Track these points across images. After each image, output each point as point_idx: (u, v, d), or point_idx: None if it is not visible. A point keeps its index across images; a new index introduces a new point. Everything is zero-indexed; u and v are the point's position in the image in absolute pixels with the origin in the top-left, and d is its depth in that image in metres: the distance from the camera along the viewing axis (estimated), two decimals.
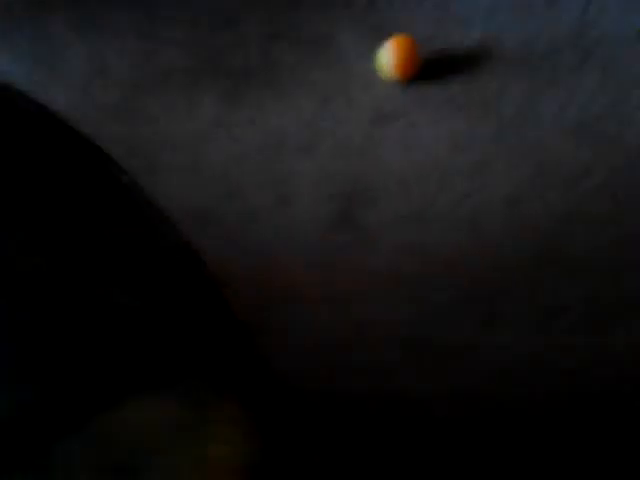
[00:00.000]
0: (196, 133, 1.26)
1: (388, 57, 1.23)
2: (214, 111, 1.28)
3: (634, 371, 0.97)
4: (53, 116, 0.58)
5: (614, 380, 0.96)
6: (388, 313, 1.06)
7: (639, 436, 0.91)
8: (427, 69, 1.28)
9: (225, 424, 0.44)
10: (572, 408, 0.95)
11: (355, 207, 1.17)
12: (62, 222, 0.50)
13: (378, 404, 0.98)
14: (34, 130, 0.55)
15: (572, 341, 1.03)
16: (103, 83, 1.32)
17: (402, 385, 0.98)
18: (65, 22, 1.43)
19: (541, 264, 1.10)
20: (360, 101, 1.27)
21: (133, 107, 1.28)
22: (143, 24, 1.39)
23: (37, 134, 0.55)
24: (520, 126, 1.22)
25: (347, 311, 1.07)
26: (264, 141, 1.25)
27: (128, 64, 1.33)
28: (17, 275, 0.48)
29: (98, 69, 1.34)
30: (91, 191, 0.53)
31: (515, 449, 0.93)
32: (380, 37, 1.29)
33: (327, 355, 1.03)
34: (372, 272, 1.11)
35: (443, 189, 1.17)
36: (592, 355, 0.99)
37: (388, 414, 0.96)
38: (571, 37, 1.31)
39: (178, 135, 1.26)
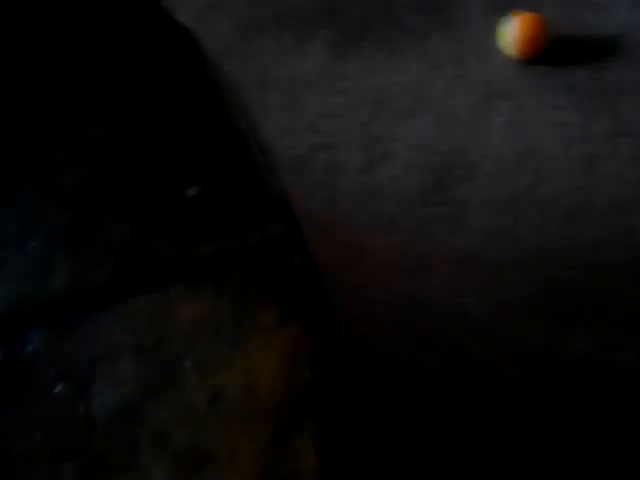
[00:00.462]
0: (300, 78, 1.23)
1: (512, 33, 1.17)
2: (322, 59, 1.24)
3: None
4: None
5: None
6: (460, 296, 1.02)
7: None
8: (552, 52, 1.21)
9: (274, 334, 0.41)
10: None
11: (447, 182, 1.12)
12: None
13: (429, 376, 0.94)
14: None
15: None
16: (216, 18, 1.30)
17: (461, 368, 0.94)
18: None
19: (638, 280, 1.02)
20: (473, 74, 1.21)
21: (242, 44, 1.25)
22: None
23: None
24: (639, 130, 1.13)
25: (415, 283, 1.03)
26: (367, 98, 1.21)
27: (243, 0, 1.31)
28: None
29: (211, 3, 1.32)
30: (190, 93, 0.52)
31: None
32: (508, 11, 1.22)
33: (388, 321, 0.99)
34: (452, 250, 1.06)
35: (542, 181, 1.11)
36: None
37: (436, 388, 0.92)
38: None
39: (282, 77, 1.23)
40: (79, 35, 0.55)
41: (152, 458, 0.40)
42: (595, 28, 1.23)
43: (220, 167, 0.50)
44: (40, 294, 0.47)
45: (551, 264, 1.04)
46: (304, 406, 0.41)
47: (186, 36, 0.59)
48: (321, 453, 0.39)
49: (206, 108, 0.51)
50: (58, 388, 0.44)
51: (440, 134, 1.15)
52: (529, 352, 0.97)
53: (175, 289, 0.46)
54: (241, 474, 0.39)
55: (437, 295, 1.04)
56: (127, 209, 0.49)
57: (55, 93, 0.55)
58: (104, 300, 0.47)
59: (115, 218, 0.49)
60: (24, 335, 0.46)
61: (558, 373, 0.95)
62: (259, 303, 0.44)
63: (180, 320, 0.45)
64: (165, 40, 0.57)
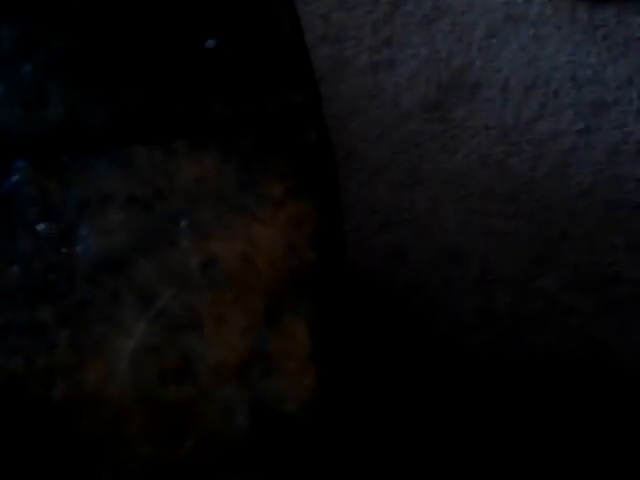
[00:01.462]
0: None
1: None
2: None
3: None
4: None
5: None
6: (441, 216, 1.00)
7: None
8: None
9: (281, 207, 0.38)
10: None
11: (450, 99, 1.08)
12: None
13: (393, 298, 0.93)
14: None
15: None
16: None
17: (432, 290, 0.93)
18: None
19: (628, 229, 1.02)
20: None
21: None
22: None
23: None
24: None
25: (399, 196, 1.01)
26: None
27: None
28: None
29: None
30: None
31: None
32: None
33: (366, 230, 0.97)
34: (441, 169, 1.04)
35: (544, 117, 1.08)
36: None
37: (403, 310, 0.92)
38: None
39: None
40: None
41: (134, 313, 0.38)
42: None
43: (246, 25, 0.45)
44: (30, 124, 0.43)
45: (536, 201, 1.03)
46: (302, 287, 0.38)
47: None
48: (314, 336, 0.37)
49: None
50: (40, 226, 0.41)
51: (452, 48, 1.11)
52: (497, 283, 0.97)
53: (179, 144, 0.43)
54: (227, 345, 0.37)
55: (418, 212, 1.02)
56: (137, 52, 0.45)
57: None
58: (100, 143, 0.43)
59: (123, 59, 0.45)
60: (9, 164, 0.42)
61: (519, 308, 0.95)
62: (268, 173, 0.41)
63: (181, 178, 0.42)
64: None
